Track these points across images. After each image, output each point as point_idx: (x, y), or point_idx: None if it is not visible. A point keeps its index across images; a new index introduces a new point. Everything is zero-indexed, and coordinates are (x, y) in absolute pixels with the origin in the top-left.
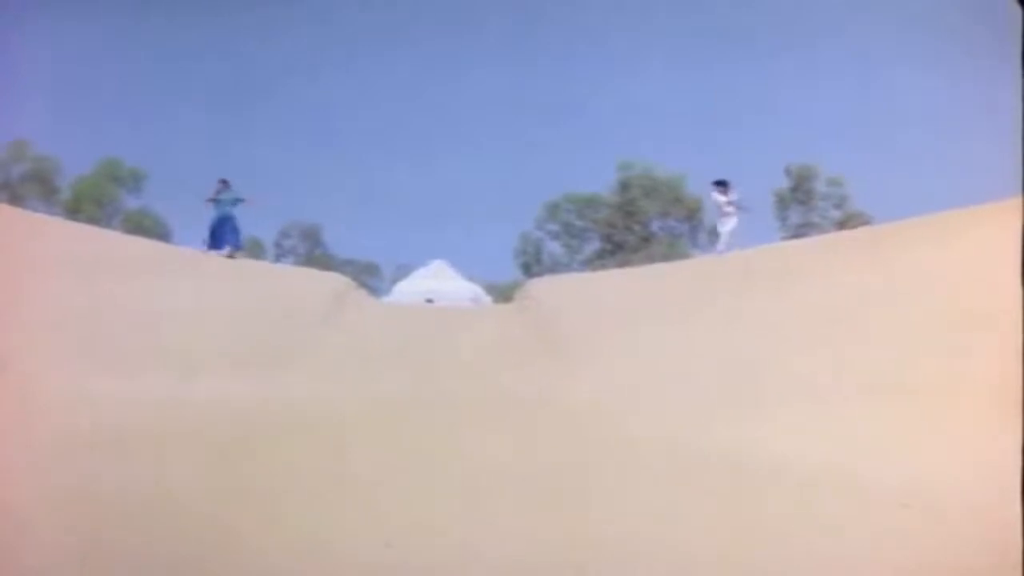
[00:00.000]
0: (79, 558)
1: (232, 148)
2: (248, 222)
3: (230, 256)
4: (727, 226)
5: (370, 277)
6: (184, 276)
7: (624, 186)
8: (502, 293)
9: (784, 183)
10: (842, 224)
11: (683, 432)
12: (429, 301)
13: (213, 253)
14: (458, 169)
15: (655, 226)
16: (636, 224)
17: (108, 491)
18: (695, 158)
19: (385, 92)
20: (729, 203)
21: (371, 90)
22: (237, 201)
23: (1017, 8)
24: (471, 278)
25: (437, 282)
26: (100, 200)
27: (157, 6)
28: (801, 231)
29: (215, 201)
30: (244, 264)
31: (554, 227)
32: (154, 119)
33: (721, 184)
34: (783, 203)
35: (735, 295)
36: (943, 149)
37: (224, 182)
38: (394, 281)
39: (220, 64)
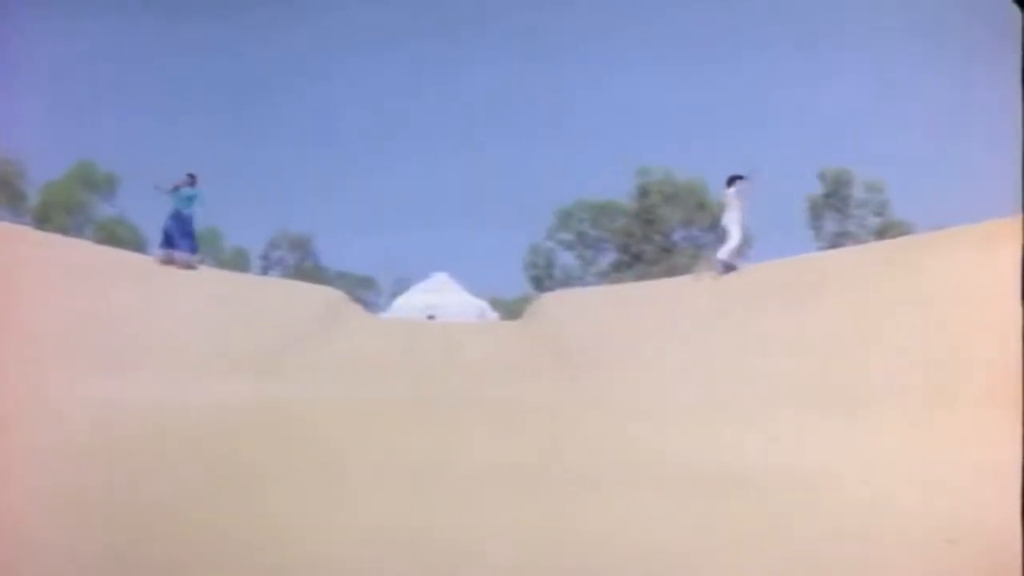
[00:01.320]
0: (76, 560)
1: (218, 151)
2: (234, 231)
3: (188, 266)
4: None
5: (366, 291)
6: (165, 288)
7: (643, 192)
8: (509, 308)
9: (818, 189)
10: (881, 233)
11: (694, 449)
12: (431, 317)
13: (162, 255)
14: (462, 174)
15: (677, 235)
16: (656, 233)
17: (104, 494)
18: (716, 163)
19: (384, 93)
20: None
21: (369, 91)
22: (193, 199)
23: (1016, 9)
24: (476, 292)
25: (439, 296)
26: (71, 207)
27: (143, 5)
28: (838, 241)
29: (174, 195)
30: (223, 276)
31: (567, 236)
32: (132, 121)
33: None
34: (816, 210)
35: (757, 310)
36: (941, 150)
37: (192, 177)
38: (392, 295)
39: (210, 64)
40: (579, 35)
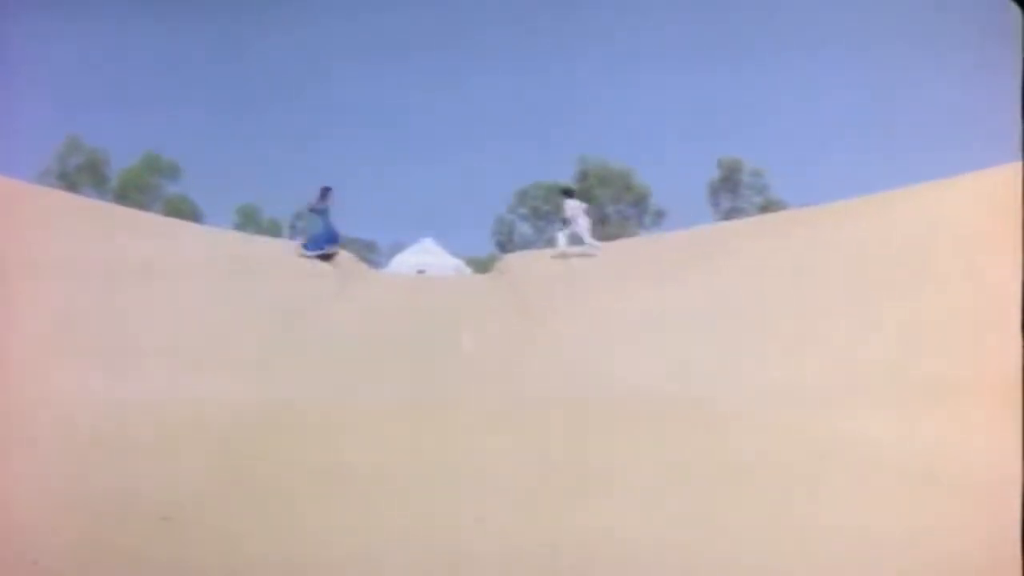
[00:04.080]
0: (78, 558)
1: (253, 141)
2: (268, 206)
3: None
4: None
5: (369, 253)
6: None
7: (583, 176)
8: (481, 265)
9: (715, 174)
10: (764, 209)
11: (626, 371)
12: (420, 272)
13: (311, 253)
14: (445, 162)
15: (609, 210)
16: (592, 208)
17: (108, 490)
18: (643, 153)
19: (388, 99)
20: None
21: (376, 96)
22: (326, 212)
23: (1016, 9)
24: (455, 253)
25: (426, 257)
26: (143, 188)
27: (193, 17)
28: (730, 215)
29: (318, 211)
30: (266, 240)
31: (524, 211)
32: (185, 118)
33: (569, 193)
34: (714, 191)
35: (677, 264)
36: (943, 151)
37: (327, 190)
38: (390, 256)
39: (240, 69)
40: (543, 60)
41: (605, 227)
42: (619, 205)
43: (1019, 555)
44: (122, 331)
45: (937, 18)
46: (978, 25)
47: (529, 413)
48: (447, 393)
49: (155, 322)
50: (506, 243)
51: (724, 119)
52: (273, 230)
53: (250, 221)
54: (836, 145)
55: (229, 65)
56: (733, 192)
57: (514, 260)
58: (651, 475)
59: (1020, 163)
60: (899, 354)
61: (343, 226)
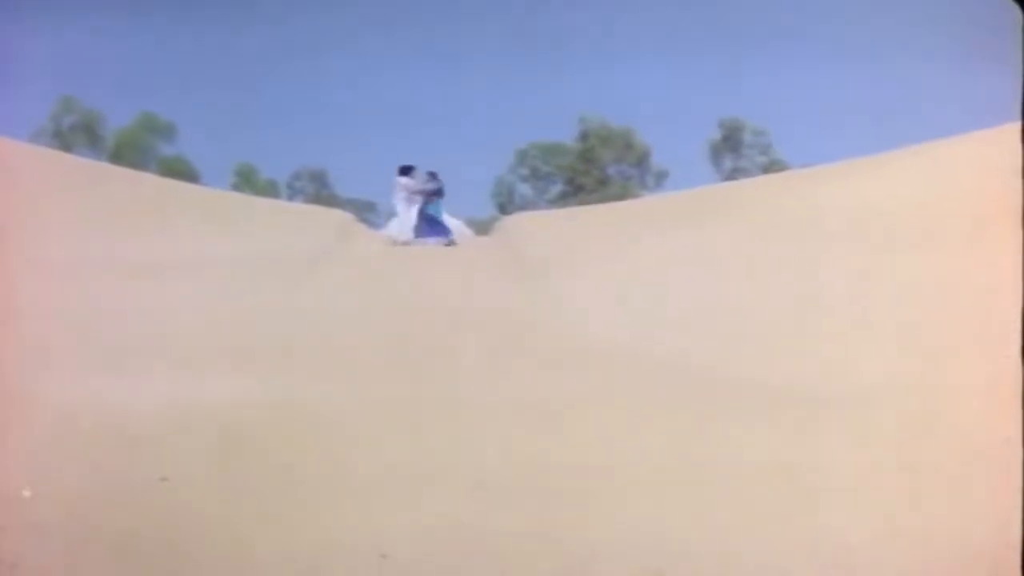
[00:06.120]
0: (79, 558)
1: (248, 104)
2: (266, 167)
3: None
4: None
5: (369, 213)
6: (199, 219)
7: (583, 136)
8: (481, 227)
9: (716, 134)
10: (767, 169)
11: (629, 336)
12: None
13: (432, 241)
14: (444, 125)
15: (610, 170)
16: (594, 169)
17: (109, 489)
18: (644, 113)
19: (388, 61)
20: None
21: (376, 59)
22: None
23: (1016, 9)
24: (455, 214)
25: None
26: (139, 147)
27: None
28: (733, 175)
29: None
30: (264, 202)
31: (524, 171)
32: (181, 75)
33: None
34: (716, 151)
35: (680, 226)
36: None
37: (433, 175)
38: (389, 217)
39: (242, 24)
40: (540, 37)
41: (607, 188)
42: (621, 165)
43: (1019, 553)
44: (116, 324)
45: (935, 16)
46: (977, 24)
47: (532, 390)
48: (447, 370)
49: (151, 314)
50: (506, 204)
51: (727, 79)
52: (271, 191)
53: (247, 182)
54: (838, 108)
55: (229, 22)
56: (735, 152)
57: (515, 221)
58: (654, 449)
59: (1020, 124)
60: (900, 318)
61: (341, 187)
